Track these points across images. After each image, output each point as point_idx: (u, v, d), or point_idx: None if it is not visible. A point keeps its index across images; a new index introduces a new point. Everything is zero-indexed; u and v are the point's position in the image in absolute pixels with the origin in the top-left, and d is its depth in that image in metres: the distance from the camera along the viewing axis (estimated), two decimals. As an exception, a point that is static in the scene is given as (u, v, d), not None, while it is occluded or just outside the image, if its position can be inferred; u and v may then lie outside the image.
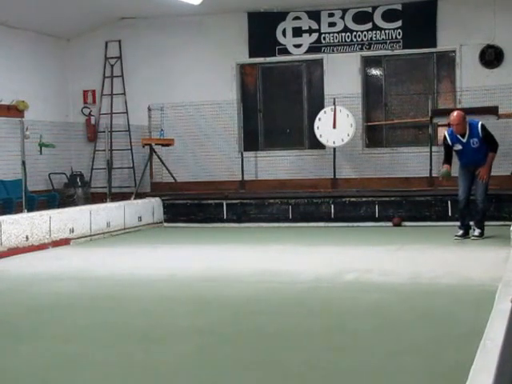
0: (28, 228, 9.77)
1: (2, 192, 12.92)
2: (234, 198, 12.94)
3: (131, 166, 14.80)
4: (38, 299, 6.61)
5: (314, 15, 13.88)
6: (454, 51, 13.42)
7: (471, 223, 9.90)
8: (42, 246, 9.97)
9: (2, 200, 12.53)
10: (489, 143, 9.69)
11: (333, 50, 13.88)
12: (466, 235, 9.79)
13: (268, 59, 14.32)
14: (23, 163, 11.16)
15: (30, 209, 11.23)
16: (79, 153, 15.15)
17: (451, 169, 9.81)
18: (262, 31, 14.16)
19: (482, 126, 9.68)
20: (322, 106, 13.67)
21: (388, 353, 4.51)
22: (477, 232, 9.79)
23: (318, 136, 13.29)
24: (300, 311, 5.82)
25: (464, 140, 9.62)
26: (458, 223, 9.95)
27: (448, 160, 9.82)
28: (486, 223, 10.00)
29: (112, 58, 15.04)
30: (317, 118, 13.29)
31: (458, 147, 9.68)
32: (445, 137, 9.83)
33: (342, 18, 13.74)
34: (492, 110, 12.15)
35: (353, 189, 12.81)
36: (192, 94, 14.36)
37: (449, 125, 10.03)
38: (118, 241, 11.07)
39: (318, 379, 4.06)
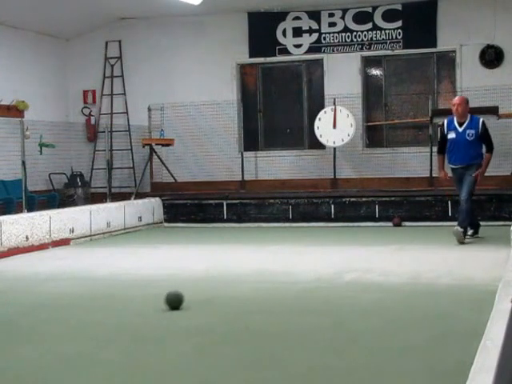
0: (28, 228, 9.77)
1: (2, 192, 12.92)
2: (234, 197, 12.94)
3: (131, 165, 14.80)
4: (38, 299, 6.61)
5: (314, 15, 13.88)
6: (454, 51, 13.42)
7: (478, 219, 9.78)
8: (41, 246, 9.97)
9: (2, 200, 12.53)
10: (486, 142, 9.53)
11: (333, 50, 13.88)
12: (475, 234, 9.68)
13: (268, 59, 14.32)
14: (23, 163, 11.16)
15: (30, 209, 11.23)
16: (79, 153, 15.15)
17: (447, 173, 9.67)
18: (262, 31, 14.16)
19: (483, 122, 9.55)
20: (322, 106, 13.67)
21: (388, 353, 4.51)
22: (458, 227, 9.34)
23: (318, 136, 13.29)
24: (300, 311, 5.82)
25: (460, 129, 9.44)
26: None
27: (442, 150, 9.67)
28: (487, 223, 9.98)
29: (112, 58, 15.04)
30: (317, 118, 13.30)
31: (452, 135, 9.49)
32: (442, 123, 9.72)
33: (342, 17, 13.74)
34: (492, 110, 12.15)
35: (353, 189, 12.81)
36: (192, 94, 14.36)
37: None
38: (118, 241, 11.07)
39: (317, 379, 4.06)
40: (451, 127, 9.54)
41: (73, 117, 15.21)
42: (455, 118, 9.56)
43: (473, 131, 9.42)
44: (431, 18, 13.32)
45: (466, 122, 9.46)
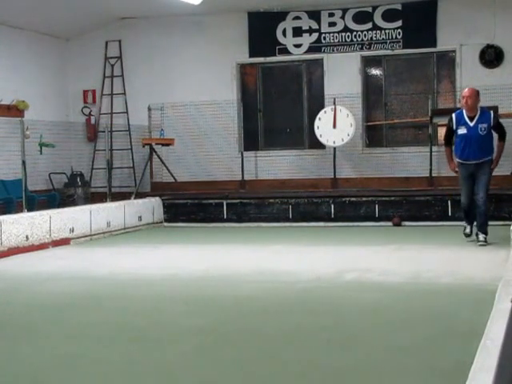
0: (28, 228, 9.77)
1: (3, 192, 12.92)
2: (234, 197, 12.94)
3: (131, 165, 14.80)
4: (38, 299, 6.61)
5: (314, 15, 13.88)
6: (454, 51, 13.42)
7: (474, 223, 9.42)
8: (42, 246, 9.97)
9: (2, 200, 12.53)
10: (499, 131, 9.12)
11: (333, 50, 13.88)
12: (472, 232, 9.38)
13: (268, 59, 14.32)
14: (23, 163, 11.15)
15: (30, 208, 11.22)
16: (79, 153, 15.15)
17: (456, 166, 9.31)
18: (262, 31, 14.15)
19: (495, 114, 9.19)
20: (322, 106, 13.67)
21: (388, 352, 4.51)
22: (481, 237, 9.13)
23: (318, 136, 13.29)
24: (300, 311, 5.82)
25: (471, 124, 8.98)
26: (464, 222, 9.57)
27: (449, 142, 9.26)
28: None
29: (112, 57, 15.04)
30: (317, 118, 13.29)
31: (463, 131, 9.00)
32: (451, 117, 9.14)
33: (342, 17, 13.74)
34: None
35: (353, 189, 12.81)
36: (192, 94, 14.36)
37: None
38: (118, 240, 11.07)
39: (318, 378, 4.06)
40: (461, 122, 9.03)
41: (73, 116, 15.21)
42: (465, 112, 9.08)
43: (485, 125, 8.98)
44: (431, 17, 13.31)
45: (477, 116, 8.99)
